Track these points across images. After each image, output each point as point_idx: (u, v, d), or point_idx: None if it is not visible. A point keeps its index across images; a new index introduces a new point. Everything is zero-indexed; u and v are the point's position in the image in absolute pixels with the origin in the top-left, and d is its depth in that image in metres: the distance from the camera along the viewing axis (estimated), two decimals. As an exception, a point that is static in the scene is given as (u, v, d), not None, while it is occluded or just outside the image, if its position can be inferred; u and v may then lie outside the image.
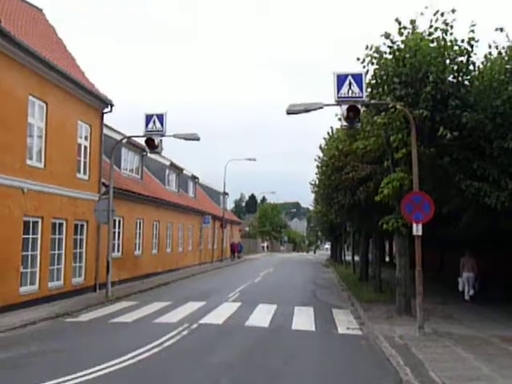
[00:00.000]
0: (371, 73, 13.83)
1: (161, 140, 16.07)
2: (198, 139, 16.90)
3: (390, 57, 13.54)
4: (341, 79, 11.67)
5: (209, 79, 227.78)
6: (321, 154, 24.11)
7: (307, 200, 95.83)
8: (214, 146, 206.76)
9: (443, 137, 12.30)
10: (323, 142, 23.12)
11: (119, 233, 22.45)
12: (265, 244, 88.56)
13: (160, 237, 28.32)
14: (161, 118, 16.02)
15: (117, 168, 23.27)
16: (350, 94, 11.64)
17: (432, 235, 20.90)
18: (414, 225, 11.86)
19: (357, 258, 33.25)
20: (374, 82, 13.94)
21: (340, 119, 12.31)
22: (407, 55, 13.11)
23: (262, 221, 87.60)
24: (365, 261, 27.15)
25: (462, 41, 13.05)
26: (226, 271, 35.59)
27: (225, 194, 49.23)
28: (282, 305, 16.68)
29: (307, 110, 12.07)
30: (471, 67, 13.39)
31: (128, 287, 20.93)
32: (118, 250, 22.29)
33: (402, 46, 13.32)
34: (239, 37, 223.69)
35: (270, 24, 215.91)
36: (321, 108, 12.05)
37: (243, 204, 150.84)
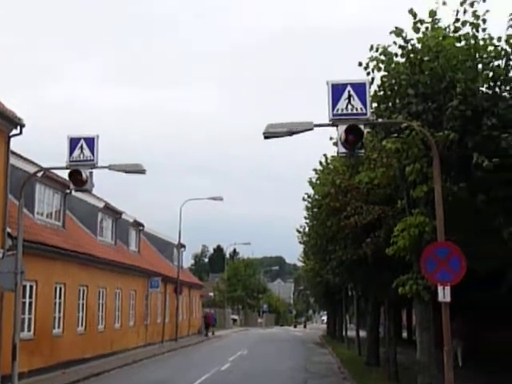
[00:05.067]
0: (378, 82, 14.05)
1: (91, 173, 15.94)
2: (142, 172, 16.78)
3: (402, 60, 13.75)
4: (337, 91, 11.75)
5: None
6: (311, 192, 24.18)
7: (294, 254, 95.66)
8: (167, 180, 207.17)
9: (478, 167, 12.37)
10: (314, 176, 23.19)
11: (31, 303, 21.99)
12: (236, 317, 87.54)
13: (88, 308, 27.85)
14: (91, 142, 15.88)
15: (28, 212, 23.00)
16: (349, 111, 11.73)
17: (464, 301, 20.96)
18: (440, 288, 11.83)
19: (363, 334, 33.07)
20: (381, 93, 14.12)
21: (336, 144, 12.37)
22: (426, 58, 13.30)
23: (233, 283, 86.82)
24: (374, 338, 27.01)
25: (499, 39, 13.27)
26: (181, 354, 35.14)
27: (180, 246, 48.82)
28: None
29: (291, 133, 12.10)
30: (512, 74, 13.65)
31: (43, 380, 20.51)
32: (29, 329, 21.84)
33: (419, 46, 13.54)
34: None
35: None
36: (310, 130, 12.09)
37: (205, 260, 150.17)
